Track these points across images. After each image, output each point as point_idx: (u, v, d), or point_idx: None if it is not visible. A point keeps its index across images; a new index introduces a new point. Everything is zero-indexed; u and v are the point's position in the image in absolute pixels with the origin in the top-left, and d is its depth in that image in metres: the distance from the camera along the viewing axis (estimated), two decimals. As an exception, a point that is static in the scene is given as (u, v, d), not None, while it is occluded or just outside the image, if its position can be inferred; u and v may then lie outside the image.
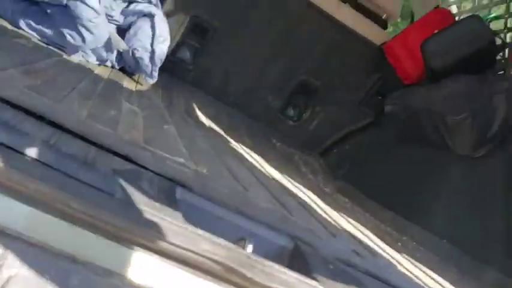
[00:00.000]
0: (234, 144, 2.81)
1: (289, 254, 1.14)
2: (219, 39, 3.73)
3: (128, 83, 2.90)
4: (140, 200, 0.87)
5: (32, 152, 0.79)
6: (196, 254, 0.82)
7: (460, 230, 2.75)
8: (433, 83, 3.12)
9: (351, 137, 4.02)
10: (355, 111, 3.91)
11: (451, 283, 1.93)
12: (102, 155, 0.98)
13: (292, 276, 0.93)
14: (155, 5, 3.30)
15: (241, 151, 2.65)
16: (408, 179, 3.20)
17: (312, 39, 3.72)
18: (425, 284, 1.66)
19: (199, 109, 3.38)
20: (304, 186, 2.62)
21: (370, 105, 3.85)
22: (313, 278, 0.98)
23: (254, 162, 2.46)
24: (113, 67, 3.18)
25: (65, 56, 2.68)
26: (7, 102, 1.01)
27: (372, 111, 3.86)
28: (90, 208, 0.75)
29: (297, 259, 1.12)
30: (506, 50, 3.10)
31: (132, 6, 3.19)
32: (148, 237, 0.76)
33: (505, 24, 3.32)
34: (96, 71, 2.69)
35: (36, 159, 0.79)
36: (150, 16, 3.19)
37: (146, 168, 1.10)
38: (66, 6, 2.67)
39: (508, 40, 3.25)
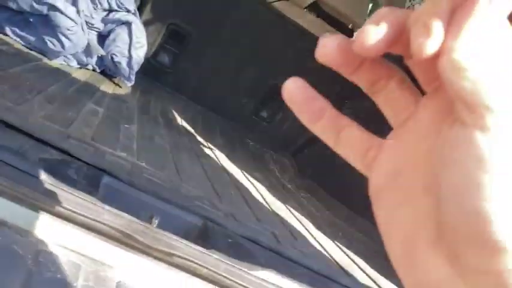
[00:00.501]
0: (200, 143, 3.07)
1: (197, 231, 1.40)
2: (196, 45, 3.99)
3: (105, 86, 3.16)
4: (61, 181, 1.13)
5: (-28, 143, 1.06)
6: (99, 222, 1.08)
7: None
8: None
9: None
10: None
11: (381, 271, 2.17)
12: (36, 147, 1.24)
13: (183, 242, 1.18)
14: (133, 14, 3.57)
15: (204, 150, 2.90)
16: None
17: (282, 44, 3.97)
18: (343, 268, 1.90)
19: (176, 111, 3.64)
20: (263, 182, 2.87)
21: (339, 108, 4.07)
22: (207, 247, 1.23)
23: (213, 159, 2.71)
24: (94, 70, 3.45)
25: (45, 61, 2.94)
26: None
27: (345, 110, 4.09)
28: (14, 184, 1.00)
29: (202, 234, 1.37)
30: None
31: (111, 15, 3.46)
32: (55, 205, 1.02)
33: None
34: (75, 74, 2.95)
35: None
36: (128, 24, 3.46)
37: (78, 159, 1.36)
38: (46, 15, 2.94)
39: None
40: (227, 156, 3.10)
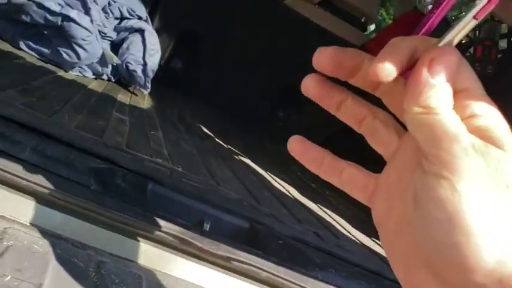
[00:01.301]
0: (221, 146, 3.03)
1: (245, 234, 1.36)
2: (208, 49, 3.96)
3: (122, 95, 3.13)
4: (111, 190, 1.09)
5: (22, 155, 1.02)
6: (153, 230, 1.04)
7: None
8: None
9: (340, 135, 4.21)
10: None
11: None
12: (82, 156, 1.21)
13: (238, 246, 1.14)
14: (145, 21, 3.54)
15: (227, 152, 2.86)
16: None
17: (296, 43, 3.93)
18: (387, 263, 1.86)
19: (192, 116, 3.61)
20: (289, 182, 2.83)
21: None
22: (259, 249, 1.19)
23: (237, 162, 2.67)
24: (109, 80, 3.42)
25: (61, 73, 2.91)
26: (5, 118, 1.23)
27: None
28: (68, 195, 0.97)
29: (252, 237, 1.33)
30: (472, 47, 3.29)
31: (124, 23, 3.44)
32: (112, 216, 0.98)
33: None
34: (91, 85, 2.92)
35: (25, 161, 1.01)
36: (141, 31, 3.43)
37: (123, 167, 1.32)
38: (60, 27, 2.91)
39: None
40: (248, 157, 3.07)
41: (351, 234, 2.07)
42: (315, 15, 3.77)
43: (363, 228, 2.40)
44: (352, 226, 2.28)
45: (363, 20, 3.97)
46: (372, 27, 5.30)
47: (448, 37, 0.39)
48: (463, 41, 3.28)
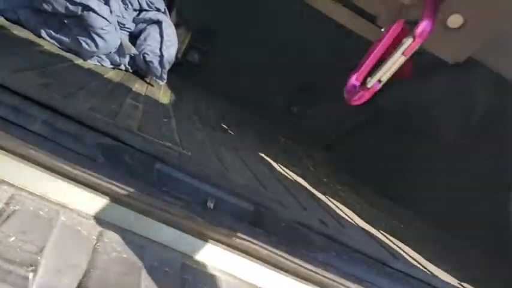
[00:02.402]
0: (234, 137, 3.06)
1: (250, 216, 1.38)
2: (225, 42, 3.99)
3: (139, 85, 3.17)
4: (118, 165, 1.13)
5: (32, 127, 1.06)
6: (157, 206, 1.07)
7: (448, 214, 2.93)
8: (424, 77, 3.30)
9: (352, 132, 4.21)
10: (355, 107, 4.10)
11: (428, 256, 2.12)
12: (91, 133, 1.24)
13: (240, 225, 1.16)
14: (163, 13, 3.58)
15: (239, 144, 2.89)
16: (402, 169, 3.39)
17: (313, 39, 3.94)
18: (391, 252, 1.86)
19: (207, 108, 3.65)
20: (299, 175, 2.84)
21: (369, 101, 4.03)
22: (261, 229, 1.21)
23: (250, 153, 2.69)
24: (126, 70, 3.47)
25: (80, 61, 2.97)
26: (19, 94, 1.28)
27: (372, 107, 4.05)
28: (75, 167, 1.00)
29: (255, 219, 1.35)
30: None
31: (142, 14, 3.49)
32: (116, 189, 1.02)
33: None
34: (109, 74, 2.97)
35: (36, 133, 1.05)
36: (159, 23, 3.47)
37: (132, 146, 1.36)
38: (80, 16, 2.97)
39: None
40: (261, 151, 3.09)
41: (357, 225, 2.07)
42: (333, 11, 3.77)
43: (371, 220, 2.40)
44: (360, 218, 2.29)
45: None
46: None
47: (378, 75, 0.43)
48: None
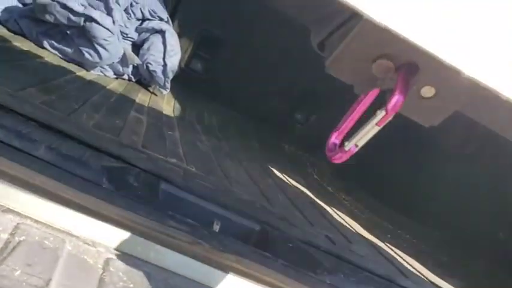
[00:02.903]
0: (238, 147, 3.04)
1: (256, 236, 1.36)
2: (227, 51, 3.98)
3: (142, 95, 3.16)
4: (123, 188, 1.11)
5: (36, 153, 1.05)
6: (163, 228, 1.05)
7: (453, 224, 2.90)
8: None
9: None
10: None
11: (435, 271, 2.10)
12: (96, 155, 1.23)
13: (247, 249, 1.15)
14: (166, 22, 3.57)
15: (243, 154, 2.87)
16: (407, 178, 3.37)
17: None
18: (399, 269, 1.84)
19: (211, 117, 3.63)
20: (304, 185, 2.83)
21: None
22: (268, 251, 1.19)
23: (254, 163, 2.68)
24: (129, 80, 3.46)
25: (83, 72, 2.96)
26: (23, 116, 1.27)
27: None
28: (80, 193, 0.99)
29: (261, 239, 1.34)
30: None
31: (145, 24, 3.48)
32: (122, 215, 1.00)
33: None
34: (112, 85, 2.96)
35: (40, 158, 1.04)
36: (162, 32, 3.46)
37: (136, 166, 1.35)
38: (83, 27, 2.96)
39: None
40: (265, 159, 3.08)
41: (364, 238, 2.06)
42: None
43: (377, 232, 2.38)
44: (366, 230, 2.27)
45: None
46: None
47: (355, 140, 0.45)
48: None
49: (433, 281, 1.85)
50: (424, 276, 1.87)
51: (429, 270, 2.05)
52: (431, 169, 3.25)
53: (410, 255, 2.13)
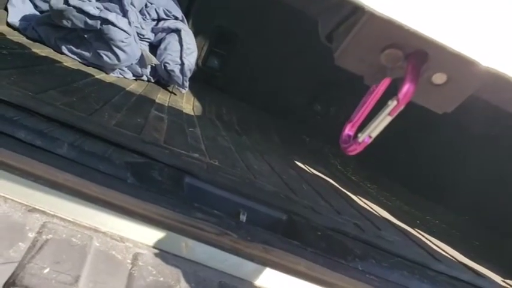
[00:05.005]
0: (259, 141, 3.03)
1: (284, 225, 1.34)
2: (243, 46, 3.96)
3: (161, 95, 3.17)
4: (147, 183, 1.11)
5: (59, 151, 1.05)
6: (190, 221, 1.04)
7: (481, 207, 2.84)
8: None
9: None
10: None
11: (468, 254, 2.06)
12: (119, 151, 1.23)
13: (275, 238, 1.13)
14: (181, 21, 3.58)
15: (264, 147, 2.86)
16: (431, 162, 3.31)
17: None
18: (431, 253, 1.80)
19: (229, 112, 3.62)
20: (328, 175, 2.80)
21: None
22: (296, 240, 1.17)
23: (275, 156, 2.66)
24: (148, 81, 3.47)
25: (102, 75, 2.98)
26: (44, 116, 1.27)
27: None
28: (105, 189, 0.99)
29: (289, 228, 1.32)
30: None
31: (161, 24, 3.49)
32: (148, 209, 0.99)
33: None
34: (131, 86, 2.97)
35: (63, 156, 1.04)
36: (177, 31, 3.47)
37: (159, 161, 1.34)
38: (100, 30, 2.98)
39: None
40: (287, 152, 3.05)
41: (393, 225, 2.02)
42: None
43: (405, 218, 2.34)
44: (394, 217, 2.23)
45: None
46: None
47: (368, 131, 0.45)
48: None
49: (467, 264, 1.81)
50: (457, 260, 1.82)
51: (462, 254, 2.01)
52: (456, 152, 3.19)
53: (441, 240, 2.09)
